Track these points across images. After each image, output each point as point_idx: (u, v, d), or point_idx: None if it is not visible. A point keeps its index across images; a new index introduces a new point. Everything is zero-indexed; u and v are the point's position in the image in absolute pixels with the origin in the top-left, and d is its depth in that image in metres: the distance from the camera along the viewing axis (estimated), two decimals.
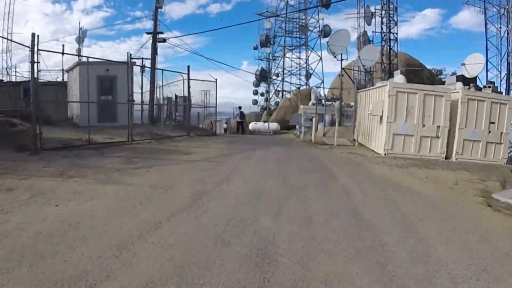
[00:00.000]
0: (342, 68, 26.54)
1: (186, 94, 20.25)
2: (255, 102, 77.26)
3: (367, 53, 28.65)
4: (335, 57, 26.39)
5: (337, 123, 18.41)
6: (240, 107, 35.09)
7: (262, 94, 76.93)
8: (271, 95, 52.69)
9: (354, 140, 20.07)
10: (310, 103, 31.08)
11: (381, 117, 15.25)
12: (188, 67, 17.49)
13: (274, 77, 52.14)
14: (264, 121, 37.13)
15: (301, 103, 32.70)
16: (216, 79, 19.40)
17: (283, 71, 47.25)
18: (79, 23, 22.43)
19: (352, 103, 31.48)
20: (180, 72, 17.16)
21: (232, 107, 74.69)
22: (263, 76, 49.59)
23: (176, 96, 22.21)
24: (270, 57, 56.47)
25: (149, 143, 14.05)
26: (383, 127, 14.92)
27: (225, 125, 42.95)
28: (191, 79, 17.57)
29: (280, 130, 35.04)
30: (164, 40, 23.42)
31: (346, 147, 17.12)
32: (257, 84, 77.70)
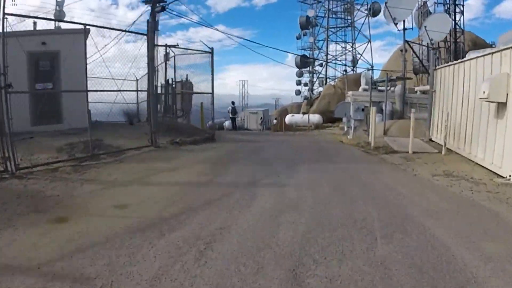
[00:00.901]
0: (405, 41, 18.92)
1: (166, 79, 13.64)
2: (298, 92, 72.52)
3: (435, 23, 20.69)
4: (395, 24, 18.80)
5: (412, 116, 10.84)
6: (233, 102, 28.19)
7: (305, 84, 72.37)
8: (314, 82, 45.24)
9: (431, 140, 12.59)
10: (361, 88, 23.53)
11: (501, 104, 7.85)
12: (148, 21, 10.21)
13: (317, 65, 44.60)
14: (304, 113, 29.73)
15: (348, 90, 25.22)
16: (212, 48, 12.25)
17: (326, 55, 39.50)
18: None
19: (417, 88, 23.68)
20: (141, 34, 10.03)
21: (273, 98, 68.37)
22: (304, 62, 42.06)
23: (167, 81, 15.34)
24: (313, 46, 48.94)
25: (41, 174, 6.96)
26: (510, 123, 7.55)
27: (260, 120, 36.54)
28: (174, 48, 10.76)
29: (323, 123, 27.67)
30: (163, 9, 16.60)
31: (429, 158, 9.66)
32: (300, 74, 72.90)
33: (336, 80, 33.93)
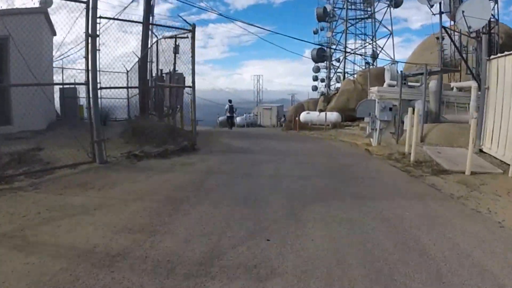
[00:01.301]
0: (442, 27, 15.44)
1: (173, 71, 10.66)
2: (314, 88, 69.85)
3: (473, 9, 17.10)
4: (430, 7, 15.34)
5: (473, 124, 7.41)
6: (230, 101, 24.70)
7: (322, 80, 69.88)
8: (332, 78, 41.78)
9: (481, 151, 9.19)
10: (386, 84, 20.08)
11: None
12: None
13: (334, 60, 41.06)
14: (320, 110, 26.31)
15: (370, 85, 21.77)
16: (193, 25, 8.80)
17: (345, 49, 35.85)
18: None
19: (453, 84, 20.01)
20: (74, 0, 6.76)
21: (289, 94, 65.17)
22: (321, 55, 38.61)
23: (154, 72, 12.14)
24: (331, 40, 45.06)
25: None
26: None
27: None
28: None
29: (342, 122, 24.24)
30: None
31: (497, 183, 6.29)
32: (317, 69, 70.33)
33: (356, 74, 30.24)
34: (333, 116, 24.07)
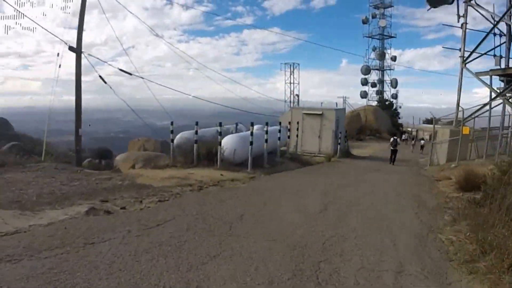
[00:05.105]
0: None
1: None
2: (364, 94, 48.80)
3: None
4: None
5: None
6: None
7: (373, 85, 49.15)
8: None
9: None
10: None
11: None
12: None
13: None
14: None
15: None
16: None
17: None
18: None
19: None
20: None
21: (339, 97, 42.84)
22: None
23: None
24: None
25: None
26: None
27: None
28: None
29: None
30: None
31: None
32: (366, 71, 48.62)
33: None
34: None
